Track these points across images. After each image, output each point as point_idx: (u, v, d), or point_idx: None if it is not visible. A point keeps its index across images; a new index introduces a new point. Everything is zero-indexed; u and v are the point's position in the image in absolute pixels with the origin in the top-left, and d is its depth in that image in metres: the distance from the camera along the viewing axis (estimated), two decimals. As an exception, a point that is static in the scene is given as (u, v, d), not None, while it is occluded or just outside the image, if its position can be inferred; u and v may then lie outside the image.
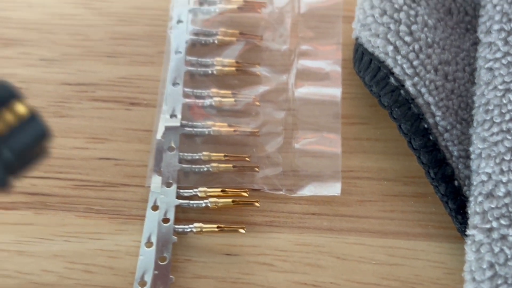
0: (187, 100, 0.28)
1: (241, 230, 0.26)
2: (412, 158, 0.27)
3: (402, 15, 0.27)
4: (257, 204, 0.26)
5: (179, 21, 0.30)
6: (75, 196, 0.27)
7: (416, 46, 0.27)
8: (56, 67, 0.29)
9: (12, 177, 0.18)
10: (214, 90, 0.28)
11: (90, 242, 0.26)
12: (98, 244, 0.26)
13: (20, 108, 0.18)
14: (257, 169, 0.27)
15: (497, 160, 0.25)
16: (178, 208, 0.26)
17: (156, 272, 0.25)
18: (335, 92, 0.29)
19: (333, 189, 0.27)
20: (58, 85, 0.29)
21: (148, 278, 0.24)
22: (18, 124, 0.17)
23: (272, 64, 0.29)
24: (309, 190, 0.27)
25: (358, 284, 0.25)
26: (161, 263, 0.25)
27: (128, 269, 0.25)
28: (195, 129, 0.28)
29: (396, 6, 0.27)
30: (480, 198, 0.24)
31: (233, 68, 0.29)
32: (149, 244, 0.25)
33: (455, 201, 0.26)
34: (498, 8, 0.27)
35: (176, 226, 0.26)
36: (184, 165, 0.27)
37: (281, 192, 0.27)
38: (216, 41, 0.30)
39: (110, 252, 0.25)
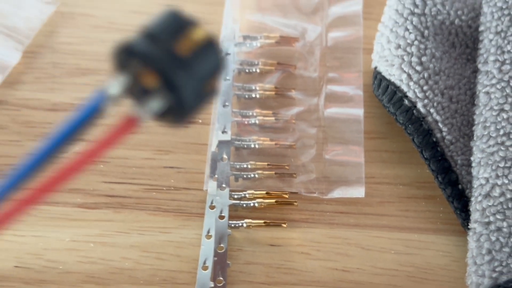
0: (235, 119, 0.34)
1: (283, 225, 0.31)
2: (423, 167, 0.33)
3: (413, 48, 0.33)
4: (295, 204, 0.32)
5: (227, 54, 0.36)
6: (146, 198, 0.32)
7: (426, 74, 0.32)
8: (126, 92, 0.35)
9: (193, 105, 0.18)
10: (257, 110, 0.34)
11: (159, 235, 0.31)
12: (166, 236, 0.31)
13: (197, 34, 0.17)
14: (294, 176, 0.33)
15: (493, 167, 0.30)
16: (231, 207, 0.32)
17: (216, 258, 0.30)
18: (358, 112, 0.34)
19: (358, 192, 0.32)
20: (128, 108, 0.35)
21: (209, 263, 0.30)
22: (197, 49, 0.17)
23: (304, 89, 0.35)
24: (338, 193, 0.32)
25: (380, 269, 0.31)
26: (219, 251, 0.30)
27: (192, 257, 0.30)
28: (242, 143, 0.33)
29: (408, 41, 0.33)
30: (479, 198, 0.30)
31: (273, 92, 0.35)
32: (208, 236, 0.31)
33: (459, 201, 0.31)
34: (493, 42, 0.33)
35: (230, 222, 0.31)
36: (234, 172, 0.32)
37: (315, 195, 0.32)
38: (258, 70, 0.35)
39: (177, 243, 0.31)
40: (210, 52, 0.18)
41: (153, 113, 0.17)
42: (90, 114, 0.17)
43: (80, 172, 0.17)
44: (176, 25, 0.18)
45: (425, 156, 0.32)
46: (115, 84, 0.17)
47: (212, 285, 0.29)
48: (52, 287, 0.29)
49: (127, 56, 0.17)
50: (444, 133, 0.32)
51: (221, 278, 0.29)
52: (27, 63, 0.36)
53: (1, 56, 0.35)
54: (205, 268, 0.30)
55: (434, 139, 0.32)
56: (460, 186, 0.31)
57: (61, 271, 0.30)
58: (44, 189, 0.17)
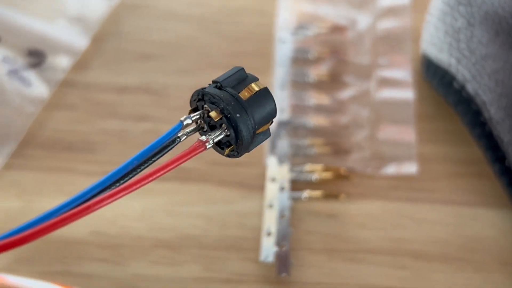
0: (293, 101, 0.36)
1: (341, 197, 0.33)
2: (472, 145, 0.35)
3: (461, 35, 0.35)
4: (350, 178, 0.34)
5: (282, 42, 0.38)
6: (210, 171, 0.34)
7: (473, 59, 0.35)
8: (188, 77, 0.38)
9: (250, 143, 0.22)
10: (312, 93, 0.36)
11: (224, 205, 0.33)
12: (230, 207, 0.33)
13: (257, 85, 0.22)
14: (349, 152, 0.35)
15: (540, 144, 0.32)
16: (290, 180, 0.34)
17: (279, 226, 0.32)
18: (408, 94, 0.36)
19: (410, 168, 0.34)
20: (190, 90, 0.37)
21: (272, 230, 0.32)
22: (255, 93, 0.22)
23: (356, 74, 0.37)
24: (391, 170, 0.34)
25: (433, 239, 0.32)
26: (281, 220, 0.32)
27: (255, 225, 0.32)
28: (300, 122, 0.35)
29: (455, 28, 0.35)
30: (527, 172, 0.32)
31: (326, 77, 0.37)
32: (270, 206, 0.33)
33: (507, 176, 0.33)
34: (536, 30, 0.35)
35: (290, 193, 0.33)
36: (293, 149, 0.34)
37: (369, 171, 0.34)
38: (311, 57, 0.38)
39: (240, 212, 0.33)
40: (266, 100, 0.22)
41: (215, 143, 0.22)
42: (169, 136, 0.22)
43: (157, 178, 0.21)
44: (241, 78, 0.22)
45: (474, 135, 0.34)
46: (189, 118, 0.22)
47: (277, 250, 0.31)
48: (126, 250, 0.31)
49: (201, 98, 0.22)
50: (491, 113, 0.34)
51: (284, 244, 0.31)
52: (95, 48, 0.38)
53: (71, 41, 0.38)
54: (268, 234, 0.32)
55: (482, 119, 0.34)
56: (506, 162, 0.33)
57: (134, 236, 0.32)
58: (125, 188, 0.21)
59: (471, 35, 0.35)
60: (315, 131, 0.35)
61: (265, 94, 0.22)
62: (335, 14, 0.39)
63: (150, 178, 0.21)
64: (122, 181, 0.21)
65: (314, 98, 0.36)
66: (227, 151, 0.23)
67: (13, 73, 0.36)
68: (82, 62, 0.38)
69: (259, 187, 0.34)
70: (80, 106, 0.36)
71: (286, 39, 0.38)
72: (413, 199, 0.34)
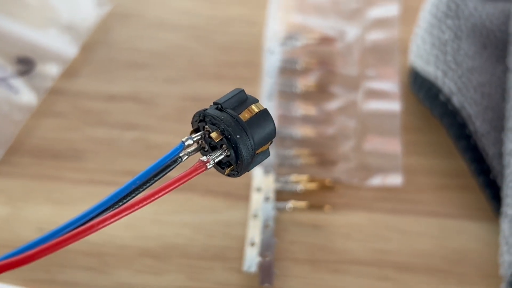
0: (280, 111, 0.36)
1: (326, 208, 0.33)
2: (457, 158, 0.35)
3: (448, 47, 0.35)
4: (336, 189, 0.34)
5: (271, 52, 0.38)
6: (196, 181, 0.34)
7: (460, 71, 0.35)
8: (177, 86, 0.38)
9: (250, 163, 0.23)
10: (300, 104, 0.37)
11: (209, 215, 0.33)
12: (215, 216, 0.33)
13: (257, 107, 0.23)
14: (334, 164, 0.35)
15: (524, 157, 0.32)
16: (275, 190, 0.34)
17: (263, 236, 0.32)
18: (395, 106, 0.36)
19: (396, 180, 0.34)
20: (177, 99, 0.37)
21: (256, 240, 0.32)
22: (255, 115, 0.23)
23: (344, 85, 0.38)
24: (376, 181, 0.35)
25: (417, 251, 0.32)
26: (266, 230, 0.32)
27: (240, 235, 0.33)
28: (286, 132, 0.36)
29: (442, 41, 0.36)
30: (511, 184, 0.32)
31: (314, 88, 0.37)
32: (255, 216, 0.33)
33: (491, 189, 0.33)
34: (523, 44, 0.35)
35: (275, 203, 0.33)
36: (278, 160, 0.35)
37: (354, 182, 0.35)
38: (299, 68, 0.38)
39: (225, 222, 0.33)
40: (265, 121, 0.23)
41: (216, 163, 0.23)
42: (171, 156, 0.22)
43: (159, 198, 0.22)
44: (241, 99, 0.23)
45: (459, 147, 0.34)
46: (190, 139, 0.23)
47: (260, 260, 0.31)
48: (111, 259, 0.32)
49: (202, 119, 0.23)
50: (477, 126, 0.34)
51: (268, 254, 0.31)
52: (84, 57, 0.38)
53: (60, 49, 0.38)
54: (252, 244, 0.32)
55: (467, 132, 0.34)
56: (491, 175, 0.33)
57: (119, 245, 0.32)
58: (128, 208, 0.21)
59: (458, 48, 0.35)
60: (302, 142, 0.36)
61: (264, 116, 0.23)
62: (324, 25, 0.39)
63: (152, 198, 0.21)
64: (124, 201, 0.22)
65: (302, 108, 0.36)
66: (227, 170, 0.23)
67: (2, 80, 0.36)
68: (71, 70, 0.38)
69: (244, 197, 0.34)
70: (68, 114, 0.36)
71: (275, 50, 0.38)
72: (398, 210, 0.34)
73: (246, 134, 0.22)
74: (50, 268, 0.31)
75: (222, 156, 0.23)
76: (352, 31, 0.39)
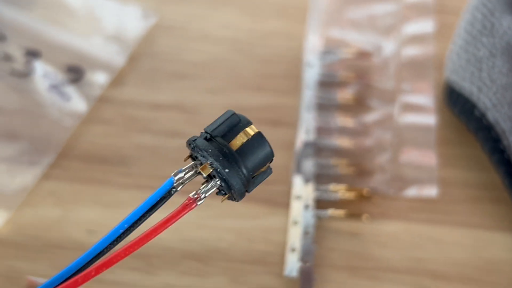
0: (318, 123, 0.38)
1: (364, 217, 0.35)
2: (491, 171, 0.36)
3: (483, 64, 0.37)
4: (373, 199, 0.35)
5: (310, 66, 0.40)
6: (238, 188, 0.36)
7: (494, 88, 0.36)
8: (219, 96, 0.39)
9: (247, 188, 0.22)
10: (338, 116, 0.38)
11: (251, 221, 0.35)
12: (256, 222, 0.35)
13: (249, 131, 0.22)
14: (371, 174, 0.36)
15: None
16: (314, 199, 0.35)
17: (303, 242, 0.33)
18: (430, 120, 0.38)
19: (431, 192, 0.36)
20: (220, 109, 0.38)
21: (297, 246, 0.33)
22: (247, 141, 0.22)
23: (380, 99, 0.39)
24: (412, 192, 0.36)
25: (451, 259, 0.34)
26: (305, 236, 0.34)
27: (280, 241, 0.34)
28: (324, 143, 0.37)
29: (478, 58, 0.37)
30: (544, 198, 0.33)
31: (351, 101, 0.38)
32: (295, 223, 0.34)
33: (524, 202, 0.34)
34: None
35: (315, 211, 0.34)
36: (317, 169, 0.36)
37: (390, 192, 0.36)
38: (337, 81, 0.39)
39: (266, 228, 0.34)
40: (260, 145, 0.22)
41: (208, 196, 0.22)
42: (163, 190, 0.22)
43: (151, 239, 0.22)
44: (232, 124, 0.22)
45: (493, 161, 0.35)
46: (180, 172, 0.22)
47: (300, 265, 0.32)
48: (156, 260, 0.33)
49: (195, 149, 0.22)
50: (510, 141, 0.35)
51: (308, 260, 0.33)
52: (131, 67, 0.40)
53: (108, 59, 0.39)
54: (293, 250, 0.33)
55: (501, 146, 0.35)
56: (525, 189, 0.34)
57: (164, 247, 0.33)
58: (126, 250, 0.22)
59: (492, 65, 0.37)
60: (340, 152, 0.37)
61: (258, 140, 0.22)
62: (361, 40, 0.41)
63: (141, 243, 0.22)
64: (112, 246, 0.22)
65: (339, 120, 0.38)
66: (224, 198, 0.23)
67: (54, 88, 0.38)
68: (119, 80, 0.39)
69: (284, 204, 0.35)
70: (116, 121, 0.38)
71: (314, 63, 0.40)
72: (433, 221, 0.35)
73: (237, 165, 0.22)
74: (99, 268, 0.32)
75: (213, 190, 0.22)
76: (388, 46, 0.41)
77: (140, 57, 0.41)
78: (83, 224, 0.34)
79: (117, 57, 0.40)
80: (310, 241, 0.33)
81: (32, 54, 0.39)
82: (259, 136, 0.22)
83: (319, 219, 0.34)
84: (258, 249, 0.34)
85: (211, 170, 0.22)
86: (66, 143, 0.37)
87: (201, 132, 0.22)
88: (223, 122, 0.22)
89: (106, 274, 0.32)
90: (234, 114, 0.22)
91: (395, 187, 0.36)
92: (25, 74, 0.38)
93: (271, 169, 0.23)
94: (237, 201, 0.23)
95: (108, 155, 0.37)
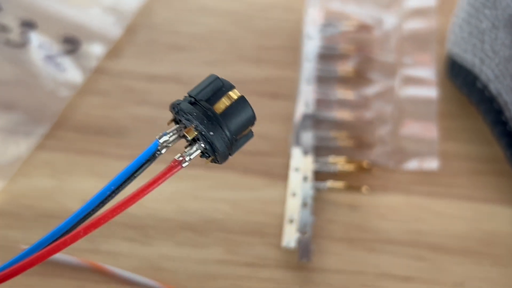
0: (318, 95, 0.37)
1: (363, 190, 0.34)
2: (493, 144, 0.35)
3: (486, 36, 0.36)
4: (373, 171, 0.35)
5: (310, 38, 0.39)
6: (235, 160, 0.35)
7: (497, 60, 0.35)
8: (217, 68, 0.39)
9: (230, 151, 0.23)
10: (338, 88, 0.37)
11: (248, 192, 0.34)
12: (254, 194, 0.34)
13: (233, 95, 0.23)
14: (371, 147, 0.36)
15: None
16: (313, 171, 0.34)
17: (301, 213, 0.33)
18: (431, 92, 0.37)
19: (431, 164, 0.35)
20: (218, 81, 0.38)
21: (295, 218, 0.33)
22: (231, 104, 0.22)
23: (381, 72, 0.38)
24: (412, 165, 0.35)
25: (451, 231, 0.33)
26: (304, 208, 0.33)
27: (278, 212, 0.33)
28: (324, 116, 0.36)
29: (480, 30, 0.36)
30: (547, 170, 0.32)
31: (352, 74, 0.38)
32: (294, 194, 0.34)
33: (527, 175, 0.34)
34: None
35: (313, 183, 0.34)
36: (317, 141, 0.35)
37: (391, 165, 0.35)
38: (338, 54, 0.39)
39: (264, 199, 0.34)
40: (243, 108, 0.22)
41: (193, 158, 0.23)
42: (149, 153, 0.23)
43: (138, 200, 0.22)
44: (216, 87, 0.22)
45: (495, 133, 0.35)
46: (165, 135, 0.23)
47: (299, 236, 0.32)
48: (152, 231, 0.32)
49: (179, 112, 0.22)
50: (513, 113, 0.34)
51: (306, 231, 0.32)
52: (128, 38, 0.39)
53: (105, 30, 0.39)
54: (291, 221, 0.33)
55: (503, 118, 0.34)
56: (527, 162, 0.34)
57: (160, 218, 0.33)
58: (113, 211, 0.22)
59: (495, 37, 0.36)
60: (339, 125, 0.36)
61: (241, 103, 0.22)
62: (362, 13, 0.40)
63: (124, 207, 0.22)
64: (98, 209, 0.23)
65: (339, 93, 0.37)
66: (207, 161, 0.23)
67: (49, 58, 0.37)
68: (115, 51, 0.39)
69: (283, 176, 0.35)
70: (112, 93, 0.37)
71: (314, 35, 0.39)
72: (433, 193, 0.34)
73: (221, 128, 0.22)
74: (94, 239, 0.32)
75: (198, 152, 0.23)
76: (389, 20, 0.40)
77: (138, 28, 0.40)
78: (78, 194, 0.33)
79: (114, 29, 0.39)
80: (309, 213, 0.33)
81: (28, 25, 0.38)
82: (242, 99, 0.22)
83: (317, 191, 0.34)
84: (255, 221, 0.33)
85: (196, 133, 0.22)
86: (61, 114, 0.36)
87: (185, 96, 0.23)
88: (207, 86, 0.22)
89: (101, 244, 0.32)
90: (217, 78, 0.22)
91: (395, 159, 0.35)
92: (21, 45, 0.38)
93: (252, 132, 0.23)
94: (220, 163, 0.23)
95: (104, 126, 0.36)
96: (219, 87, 0.22)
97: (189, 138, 0.22)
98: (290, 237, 0.32)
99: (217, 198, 0.34)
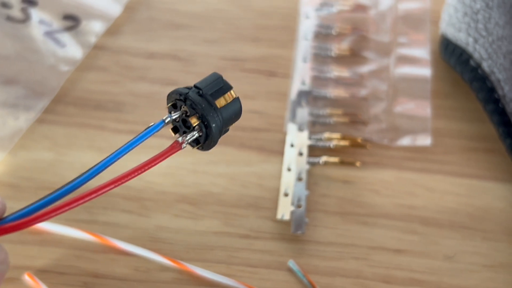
0: (313, 73, 0.38)
1: (357, 164, 0.35)
2: (485, 123, 0.36)
3: (479, 16, 0.36)
4: (367, 147, 0.35)
5: (307, 17, 0.40)
6: (231, 135, 0.36)
7: (490, 39, 0.36)
8: (215, 46, 0.39)
9: (218, 136, 0.26)
10: (333, 66, 0.38)
11: (244, 167, 0.35)
12: (250, 168, 0.35)
13: (231, 94, 0.26)
14: (366, 123, 0.36)
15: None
16: (308, 147, 0.35)
17: (295, 188, 0.33)
18: (425, 71, 0.38)
19: (425, 141, 0.36)
20: (217, 59, 0.39)
21: (290, 191, 0.33)
22: (229, 102, 0.26)
23: (376, 51, 0.39)
24: (406, 141, 0.36)
25: (443, 208, 0.34)
26: (298, 182, 0.34)
27: (274, 186, 0.34)
28: (320, 93, 0.37)
29: (474, 10, 0.37)
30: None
31: (347, 52, 0.38)
32: (289, 169, 0.34)
33: (517, 152, 0.34)
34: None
35: (308, 158, 0.35)
36: (312, 118, 0.36)
37: (385, 142, 0.36)
38: (334, 33, 0.39)
39: (259, 174, 0.34)
40: (237, 108, 0.26)
41: (190, 142, 0.25)
42: (150, 134, 0.25)
43: (139, 174, 0.24)
44: (219, 85, 0.25)
45: (487, 111, 0.35)
46: (169, 117, 0.25)
47: (293, 209, 0.33)
48: (150, 203, 0.33)
49: (182, 100, 0.25)
50: (505, 91, 0.35)
51: (300, 204, 0.33)
52: (126, 16, 0.40)
53: (105, 7, 0.39)
54: (286, 194, 0.33)
55: (496, 96, 0.35)
56: (518, 139, 0.34)
57: (158, 191, 0.33)
58: (114, 183, 0.24)
59: (489, 17, 0.36)
60: (335, 102, 0.37)
61: (236, 103, 0.26)
62: (358, -7, 0.41)
63: (130, 177, 0.24)
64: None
65: (335, 70, 0.38)
66: (195, 147, 0.26)
67: (49, 34, 0.38)
68: (115, 28, 0.39)
69: (278, 152, 0.35)
70: (111, 69, 0.38)
71: (310, 15, 0.40)
72: (426, 170, 0.35)
73: (222, 121, 0.25)
74: (92, 210, 0.33)
75: (195, 137, 0.25)
76: (385, 0, 0.40)
77: (136, 6, 0.40)
78: (77, 167, 0.34)
79: (113, 6, 0.40)
80: (303, 187, 0.33)
81: (28, 1, 0.39)
82: (237, 100, 0.26)
83: (312, 165, 0.35)
84: (251, 194, 0.34)
85: (198, 121, 0.25)
86: (61, 89, 0.37)
87: (190, 87, 0.25)
88: (212, 82, 0.25)
89: (99, 216, 0.33)
90: (220, 77, 0.25)
91: (389, 136, 0.36)
92: (21, 21, 0.38)
93: (228, 129, 0.27)
94: (206, 150, 0.26)
95: (103, 102, 0.37)
96: (220, 85, 0.25)
97: (193, 124, 0.25)
98: (285, 210, 0.32)
99: (214, 172, 0.34)
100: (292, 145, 0.35)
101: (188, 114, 0.25)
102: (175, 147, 0.25)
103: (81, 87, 0.37)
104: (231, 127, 0.35)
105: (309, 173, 0.34)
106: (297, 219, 0.32)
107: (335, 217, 0.33)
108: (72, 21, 0.39)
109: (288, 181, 0.34)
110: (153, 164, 0.24)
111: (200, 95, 0.25)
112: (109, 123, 0.36)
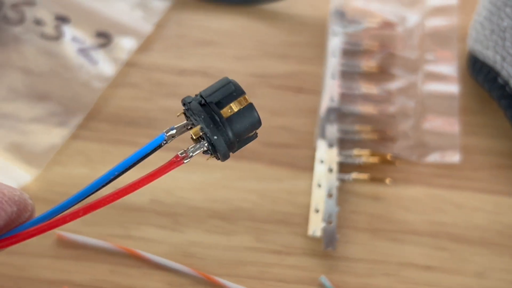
0: (342, 90, 0.38)
1: (387, 181, 0.35)
2: (512, 139, 0.36)
3: (507, 34, 0.37)
4: (396, 164, 0.36)
5: (335, 34, 0.40)
6: (262, 152, 0.36)
7: (518, 57, 0.36)
8: (243, 63, 0.40)
9: (232, 151, 0.23)
10: (361, 83, 0.38)
11: (274, 183, 0.35)
12: (280, 185, 0.35)
13: (244, 100, 0.23)
14: (394, 140, 0.36)
15: None
16: (337, 164, 0.35)
17: (326, 204, 0.34)
18: (453, 88, 0.38)
19: (453, 158, 0.36)
20: (245, 76, 0.39)
21: (320, 208, 0.34)
22: (241, 109, 0.23)
23: (404, 68, 0.39)
24: (434, 158, 0.36)
25: (472, 223, 0.34)
26: (329, 198, 0.34)
27: (304, 203, 0.34)
28: (348, 109, 0.37)
29: (501, 28, 0.37)
30: None
31: (375, 69, 0.39)
32: (319, 185, 0.35)
33: (546, 169, 0.35)
34: None
35: (338, 175, 0.35)
36: (341, 135, 0.36)
37: (413, 158, 0.36)
38: (362, 50, 0.40)
39: (290, 190, 0.35)
40: (249, 114, 0.23)
41: (195, 155, 0.23)
42: (155, 144, 0.23)
43: (138, 189, 0.23)
44: (227, 92, 0.23)
45: (516, 128, 0.35)
46: (172, 129, 0.23)
47: (324, 225, 0.33)
48: (182, 219, 0.34)
49: (188, 110, 0.23)
50: (533, 109, 0.35)
51: (331, 220, 0.33)
52: (157, 33, 0.41)
53: (136, 25, 0.40)
54: (316, 211, 0.34)
55: (524, 114, 0.35)
56: (547, 157, 0.35)
57: (190, 206, 0.34)
58: (114, 196, 0.23)
59: (516, 35, 0.37)
60: (363, 119, 0.37)
61: (249, 110, 0.23)
62: (385, 10, 0.41)
63: (122, 194, 0.23)
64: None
65: (363, 87, 0.38)
66: (208, 158, 0.24)
67: (82, 51, 0.39)
68: (146, 45, 0.40)
69: (308, 168, 0.36)
70: (142, 85, 0.39)
71: (338, 32, 0.40)
72: (454, 186, 0.35)
73: (226, 132, 0.22)
74: (126, 225, 0.33)
75: (200, 150, 0.23)
76: (412, 18, 0.41)
77: (167, 23, 0.41)
78: (111, 183, 0.35)
79: (144, 24, 0.40)
80: (334, 203, 0.34)
81: (61, 19, 0.40)
82: (250, 107, 0.23)
83: (342, 182, 0.35)
84: (282, 210, 0.34)
85: (201, 134, 0.23)
86: (94, 106, 0.37)
87: (196, 95, 0.23)
88: (219, 89, 0.23)
89: (133, 231, 0.33)
90: (230, 82, 0.23)
91: (417, 153, 0.36)
92: (55, 38, 0.39)
93: (257, 134, 0.24)
94: (222, 161, 0.23)
95: (135, 118, 0.37)
96: (230, 91, 0.23)
97: (194, 137, 0.23)
98: (316, 226, 0.33)
99: (245, 188, 0.35)
100: (321, 161, 0.35)
101: (193, 124, 0.23)
102: (175, 162, 0.23)
103: (114, 104, 0.38)
104: (261, 144, 0.36)
105: (339, 189, 0.35)
106: (329, 236, 0.33)
107: (365, 233, 0.34)
108: (104, 39, 0.39)
109: (319, 197, 0.34)
110: (151, 179, 0.23)
111: (202, 104, 0.23)
112: (142, 139, 0.36)
